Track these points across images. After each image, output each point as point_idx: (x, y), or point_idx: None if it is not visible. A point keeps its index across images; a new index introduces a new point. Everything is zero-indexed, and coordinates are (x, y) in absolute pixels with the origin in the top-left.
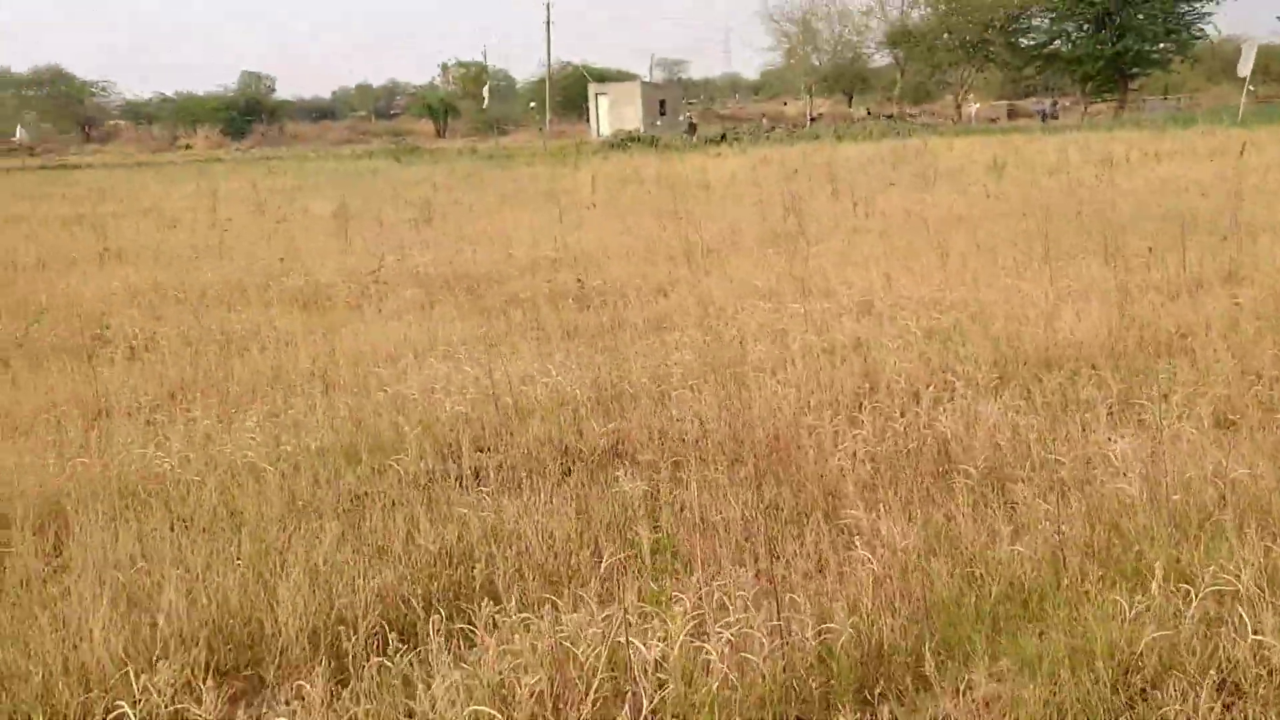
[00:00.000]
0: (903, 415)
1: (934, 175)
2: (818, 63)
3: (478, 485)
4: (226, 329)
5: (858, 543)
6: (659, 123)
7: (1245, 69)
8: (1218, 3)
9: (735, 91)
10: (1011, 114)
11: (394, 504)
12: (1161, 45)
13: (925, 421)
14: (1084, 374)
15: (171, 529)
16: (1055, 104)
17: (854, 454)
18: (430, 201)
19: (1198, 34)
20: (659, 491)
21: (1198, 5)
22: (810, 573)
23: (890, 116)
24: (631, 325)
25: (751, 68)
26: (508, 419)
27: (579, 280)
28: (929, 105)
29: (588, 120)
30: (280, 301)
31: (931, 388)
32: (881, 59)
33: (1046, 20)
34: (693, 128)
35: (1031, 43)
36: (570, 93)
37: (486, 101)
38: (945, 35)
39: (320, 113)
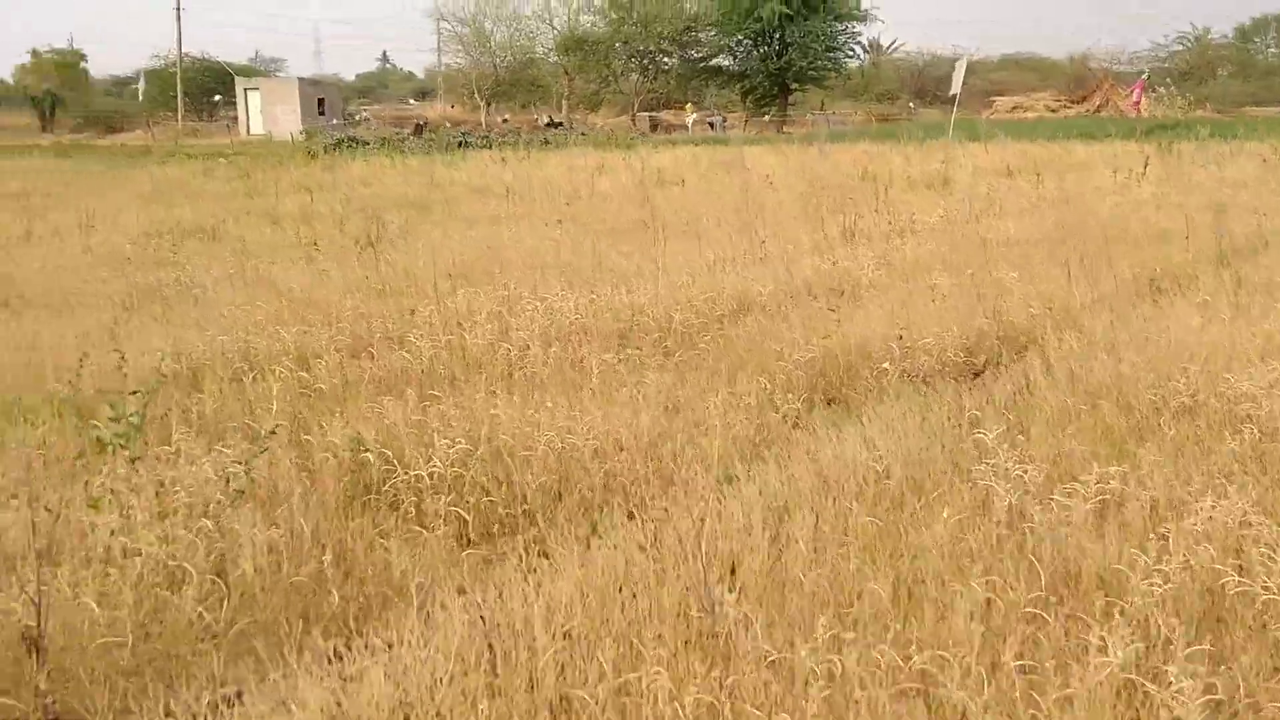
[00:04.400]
0: None
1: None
2: (492, 67)
3: None
4: None
5: None
6: (332, 122)
7: (957, 86)
8: (866, 25)
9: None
10: (654, 127)
11: None
12: (818, 63)
13: None
14: None
15: None
16: (724, 118)
17: None
18: (360, 221)
19: (849, 54)
20: None
21: (850, 26)
22: None
23: (559, 124)
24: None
25: (348, 70)
26: None
27: (899, 341)
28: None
29: (234, 119)
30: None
31: None
32: (549, 65)
33: (713, 33)
34: (419, 129)
35: (698, 55)
36: (191, 87)
37: (141, 95)
38: (619, 45)
39: None
